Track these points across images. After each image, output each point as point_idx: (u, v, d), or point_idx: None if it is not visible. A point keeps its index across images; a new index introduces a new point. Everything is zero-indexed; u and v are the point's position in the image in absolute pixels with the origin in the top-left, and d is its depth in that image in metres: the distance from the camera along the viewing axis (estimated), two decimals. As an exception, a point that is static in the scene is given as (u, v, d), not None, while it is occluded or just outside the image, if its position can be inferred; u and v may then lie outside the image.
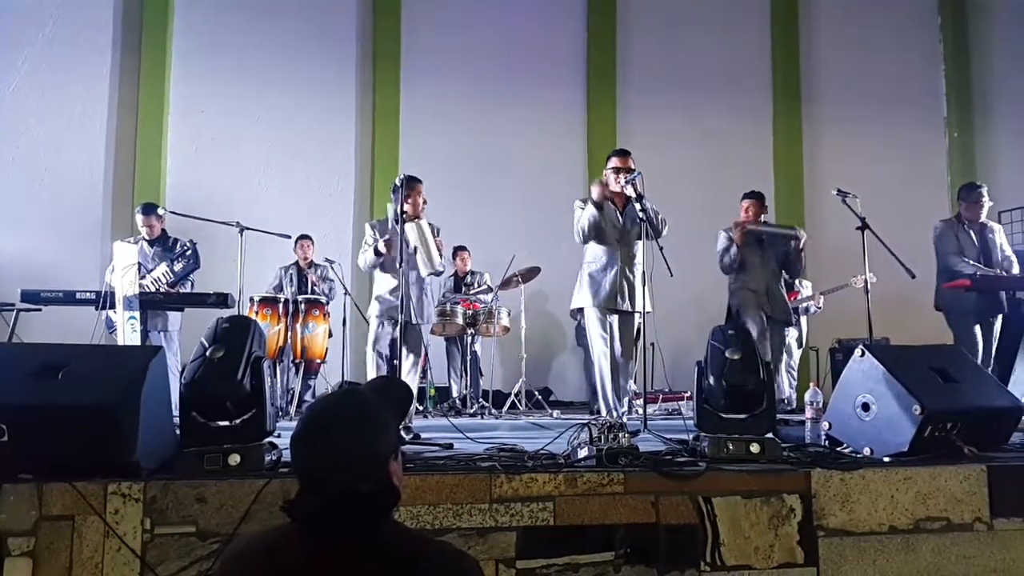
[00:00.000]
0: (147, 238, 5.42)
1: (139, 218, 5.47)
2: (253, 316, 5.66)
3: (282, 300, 5.76)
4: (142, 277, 4.81)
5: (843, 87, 8.95)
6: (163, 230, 5.50)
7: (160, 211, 5.52)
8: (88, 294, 4.46)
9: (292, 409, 5.68)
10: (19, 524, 2.40)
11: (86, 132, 7.47)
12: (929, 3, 9.40)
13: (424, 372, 5.39)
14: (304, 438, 1.29)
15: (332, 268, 6.27)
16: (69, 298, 4.48)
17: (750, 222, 4.92)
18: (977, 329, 4.76)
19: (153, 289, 4.73)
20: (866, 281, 4.45)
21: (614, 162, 4.41)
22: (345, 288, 6.23)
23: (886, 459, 2.86)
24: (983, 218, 5.00)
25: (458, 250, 6.92)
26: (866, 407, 3.04)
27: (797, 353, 6.16)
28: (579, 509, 2.55)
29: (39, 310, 4.68)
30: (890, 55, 9.05)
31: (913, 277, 4.28)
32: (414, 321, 4.19)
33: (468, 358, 6.39)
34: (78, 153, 7.41)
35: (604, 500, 2.56)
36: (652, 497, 2.58)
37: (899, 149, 8.79)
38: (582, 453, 2.77)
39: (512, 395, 6.28)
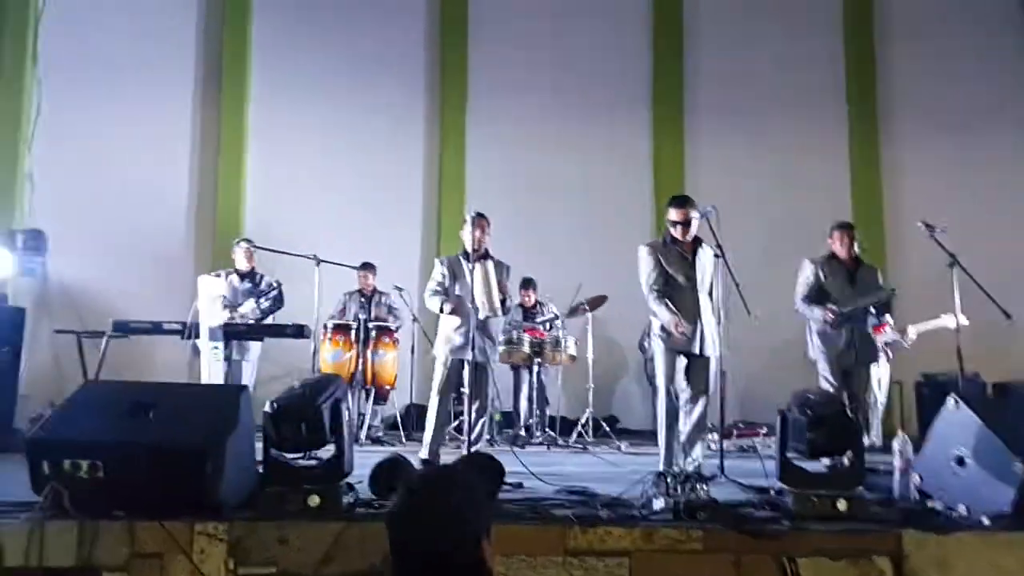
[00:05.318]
0: (239, 271, 5.71)
1: (239, 250, 5.78)
2: (326, 343, 5.83)
3: (354, 327, 5.88)
4: (230, 312, 5.12)
5: (925, 103, 8.42)
6: (252, 265, 5.78)
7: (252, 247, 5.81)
8: (174, 324, 4.67)
9: (362, 435, 5.78)
10: (113, 559, 2.53)
11: (171, 166, 7.83)
12: (1016, 10, 8.88)
13: (492, 402, 5.40)
14: (403, 514, 1.35)
15: (401, 295, 6.36)
16: (156, 328, 4.71)
17: (844, 308, 4.44)
18: None
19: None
20: (957, 325, 4.17)
21: (672, 215, 4.13)
22: (414, 315, 6.32)
23: (986, 521, 2.69)
24: None
25: (523, 285, 6.81)
26: (961, 461, 2.88)
27: (882, 393, 5.83)
28: (657, 567, 2.49)
29: (127, 338, 4.93)
30: (977, 68, 8.49)
31: (1009, 318, 4.00)
32: (479, 359, 4.22)
33: (535, 387, 6.36)
34: (163, 187, 7.76)
35: (683, 558, 2.49)
36: (733, 556, 2.50)
37: (991, 172, 8.17)
38: (658, 505, 2.71)
39: (579, 425, 6.22)
